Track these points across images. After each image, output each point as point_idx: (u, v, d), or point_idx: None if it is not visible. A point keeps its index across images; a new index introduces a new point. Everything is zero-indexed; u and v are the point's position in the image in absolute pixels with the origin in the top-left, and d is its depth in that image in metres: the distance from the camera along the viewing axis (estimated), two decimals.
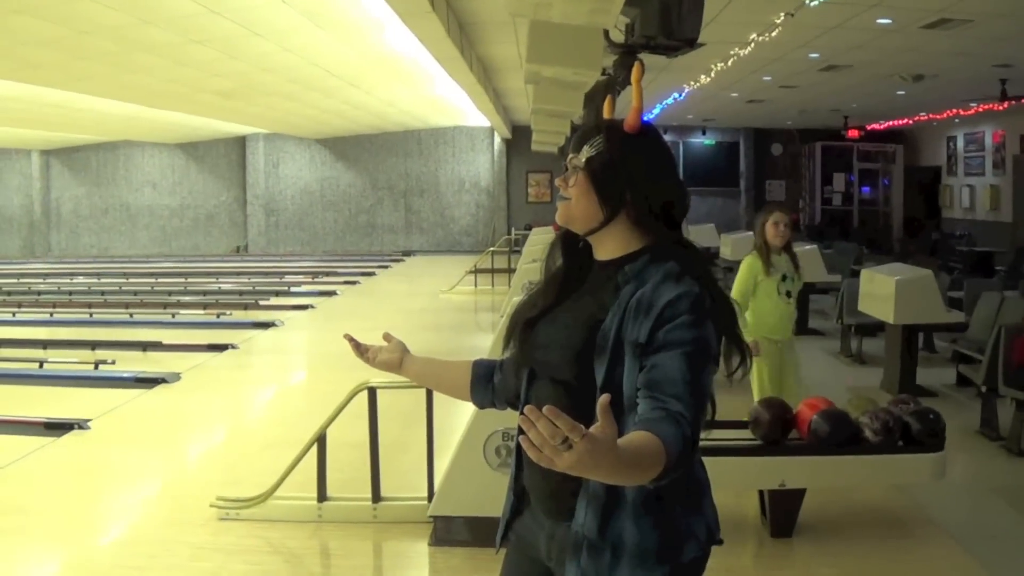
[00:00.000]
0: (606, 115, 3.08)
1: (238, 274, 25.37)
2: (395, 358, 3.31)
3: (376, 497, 6.89)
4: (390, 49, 15.94)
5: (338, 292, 21.52)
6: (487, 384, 3.22)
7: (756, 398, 7.36)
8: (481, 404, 3.28)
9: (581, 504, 2.67)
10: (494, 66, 17.74)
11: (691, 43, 6.63)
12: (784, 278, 7.88)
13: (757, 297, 7.94)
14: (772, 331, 7.93)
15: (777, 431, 6.43)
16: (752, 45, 13.31)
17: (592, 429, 2.02)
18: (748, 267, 8.01)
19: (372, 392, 6.84)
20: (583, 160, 2.76)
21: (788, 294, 7.90)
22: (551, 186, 31.29)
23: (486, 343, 11.85)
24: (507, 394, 3.16)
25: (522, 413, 2.75)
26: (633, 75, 2.98)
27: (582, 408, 2.59)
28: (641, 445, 2.27)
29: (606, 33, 6.92)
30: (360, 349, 3.34)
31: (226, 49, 14.93)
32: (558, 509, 2.77)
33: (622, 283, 2.70)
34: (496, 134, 32.00)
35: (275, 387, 12.65)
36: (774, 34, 12.36)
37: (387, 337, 3.38)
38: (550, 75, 8.57)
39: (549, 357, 2.81)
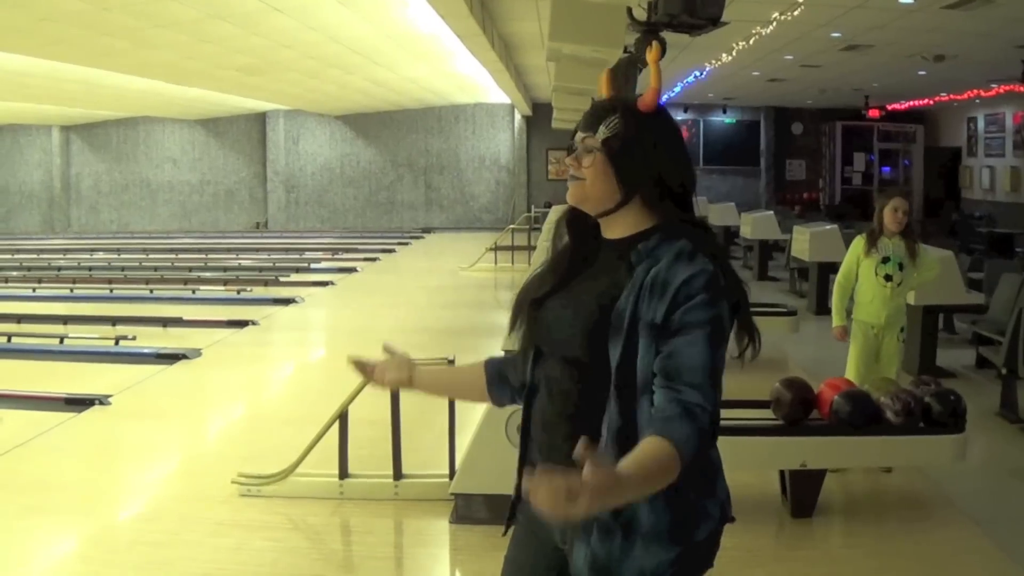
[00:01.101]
0: (605, 91, 3.04)
1: (258, 250, 25.46)
2: (404, 376, 3.22)
3: (397, 474, 6.90)
4: (412, 26, 15.93)
5: (358, 269, 21.53)
6: (504, 380, 3.17)
7: (849, 379, 7.27)
8: (500, 402, 3.22)
9: None
10: (515, 43, 17.72)
11: (714, 21, 6.60)
12: (886, 260, 7.69)
13: (858, 278, 7.87)
14: (867, 314, 7.81)
15: (798, 411, 6.42)
16: (774, 24, 13.26)
17: (584, 476, 2.07)
18: (853, 247, 7.95)
19: None
20: (600, 141, 2.72)
21: (887, 277, 7.68)
22: None
23: (505, 320, 11.86)
24: (519, 383, 3.11)
25: (528, 395, 2.85)
26: (651, 56, 2.97)
27: (592, 386, 2.68)
28: (650, 458, 2.35)
29: (629, 11, 6.89)
30: (366, 371, 3.25)
31: (248, 25, 14.93)
32: None
33: (635, 262, 2.67)
34: (516, 111, 31.97)
35: (295, 363, 12.69)
36: (796, 13, 12.32)
37: (388, 349, 3.27)
38: (572, 53, 8.56)
39: (560, 335, 2.78)
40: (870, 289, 7.75)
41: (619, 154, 2.71)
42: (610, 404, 2.61)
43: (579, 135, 2.78)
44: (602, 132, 2.71)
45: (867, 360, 7.82)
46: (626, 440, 2.54)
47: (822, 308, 15.17)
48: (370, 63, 20.52)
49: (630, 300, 2.61)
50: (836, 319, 7.99)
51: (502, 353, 3.26)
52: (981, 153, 26.98)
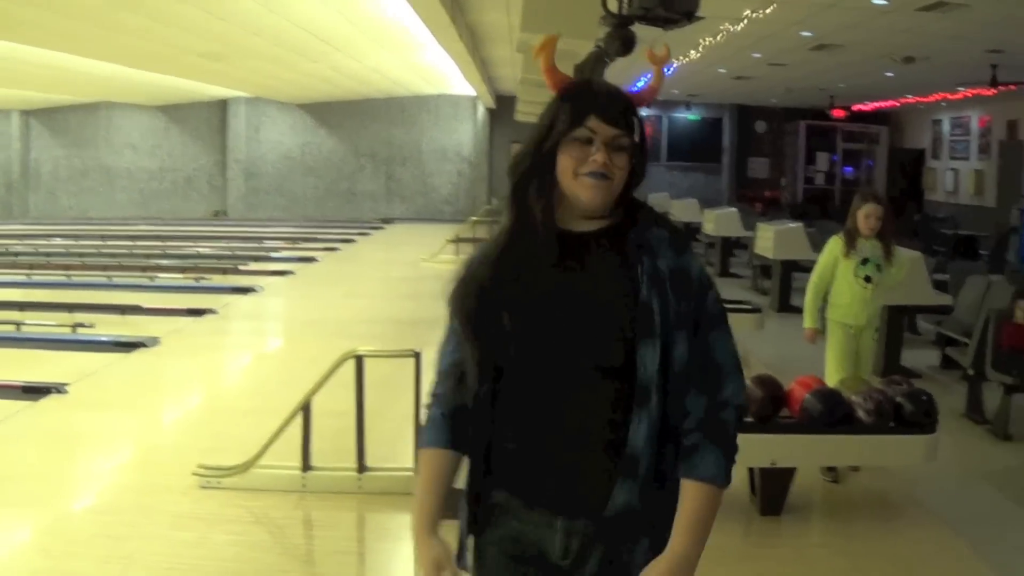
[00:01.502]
0: (546, 64, 2.79)
1: (217, 238, 25.20)
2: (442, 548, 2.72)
3: (361, 467, 6.82)
4: (380, 14, 15.83)
5: (318, 258, 21.37)
6: (462, 435, 2.74)
7: (829, 382, 7.27)
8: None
9: (623, 488, 2.53)
10: (483, 34, 17.61)
11: (689, 16, 6.54)
12: (865, 262, 7.67)
13: (835, 279, 7.80)
14: (844, 315, 7.77)
15: (768, 409, 6.39)
16: (745, 21, 13.19)
17: None
18: (829, 248, 7.87)
19: (359, 360, 6.75)
20: (633, 141, 2.60)
21: (867, 279, 7.66)
22: None
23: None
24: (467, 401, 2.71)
25: (489, 407, 2.66)
26: (660, 56, 2.86)
27: (611, 390, 2.57)
28: (702, 510, 2.57)
29: (603, 2, 6.82)
30: None
31: (214, 10, 14.77)
32: (589, 502, 2.57)
33: (631, 254, 2.57)
34: (480, 103, 31.89)
35: (255, 353, 12.57)
36: (769, 11, 12.25)
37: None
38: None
39: (577, 338, 2.56)
40: (848, 290, 7.71)
41: (643, 153, 2.64)
42: (650, 405, 2.52)
43: (604, 128, 2.57)
44: (636, 132, 2.60)
45: (849, 360, 7.79)
46: (664, 439, 2.56)
47: (785, 306, 15.22)
48: (335, 51, 20.36)
49: (653, 294, 2.53)
50: (809, 320, 7.92)
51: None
52: (946, 156, 27.15)
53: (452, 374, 2.73)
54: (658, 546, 2.58)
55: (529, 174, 2.63)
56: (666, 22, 6.50)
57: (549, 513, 2.63)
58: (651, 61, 2.87)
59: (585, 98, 2.61)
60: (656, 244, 2.58)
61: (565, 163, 2.57)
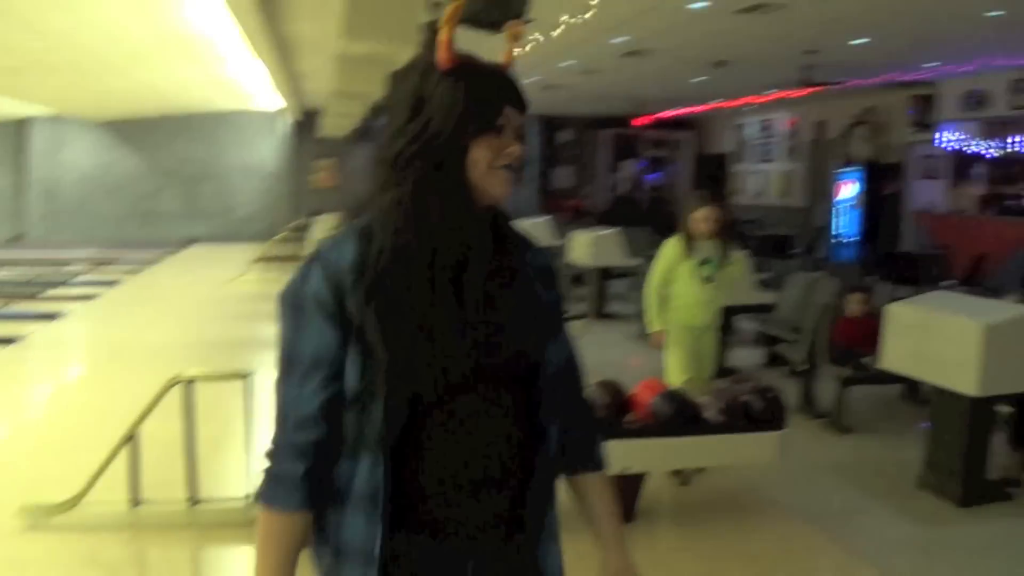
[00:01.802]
0: (447, 36, 2.44)
1: (17, 263, 24.27)
2: None
3: (194, 499, 6.48)
4: (186, 27, 15.41)
5: (121, 281, 20.76)
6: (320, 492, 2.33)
7: (672, 383, 7.28)
8: None
9: (549, 501, 2.48)
10: (293, 45, 17.29)
11: (518, 17, 6.38)
12: (705, 262, 7.71)
13: (676, 281, 7.78)
14: (687, 316, 7.78)
15: (612, 414, 6.30)
16: (563, 27, 13.04)
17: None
18: (667, 251, 7.86)
19: (188, 385, 6.43)
20: None
21: (708, 279, 7.73)
22: (340, 171, 31.02)
23: (274, 332, 11.47)
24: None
25: (397, 443, 2.27)
26: (517, 32, 2.66)
27: (531, 398, 2.40)
28: (612, 497, 2.63)
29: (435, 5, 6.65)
30: None
31: (12, 23, 14.18)
32: (506, 518, 2.34)
33: (514, 246, 2.40)
34: (284, 119, 31.50)
35: (68, 383, 12.00)
36: (588, 16, 12.11)
37: None
38: (364, 51, 8.27)
39: (504, 345, 2.29)
40: (690, 291, 7.75)
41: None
42: (556, 407, 2.45)
43: (516, 116, 2.33)
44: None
45: (692, 362, 7.81)
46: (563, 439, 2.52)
47: (601, 313, 15.30)
48: (138, 66, 19.81)
49: (543, 291, 2.42)
50: (657, 323, 7.88)
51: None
52: (752, 158, 27.83)
53: (319, 419, 2.27)
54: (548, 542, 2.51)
55: (435, 168, 2.27)
56: (492, 26, 6.36)
57: (465, 542, 2.33)
58: (510, 38, 2.66)
59: (494, 84, 2.34)
60: (523, 240, 2.45)
61: (479, 155, 2.26)
